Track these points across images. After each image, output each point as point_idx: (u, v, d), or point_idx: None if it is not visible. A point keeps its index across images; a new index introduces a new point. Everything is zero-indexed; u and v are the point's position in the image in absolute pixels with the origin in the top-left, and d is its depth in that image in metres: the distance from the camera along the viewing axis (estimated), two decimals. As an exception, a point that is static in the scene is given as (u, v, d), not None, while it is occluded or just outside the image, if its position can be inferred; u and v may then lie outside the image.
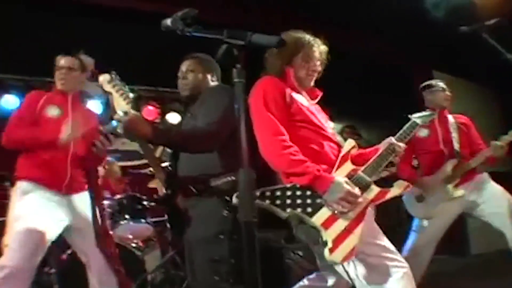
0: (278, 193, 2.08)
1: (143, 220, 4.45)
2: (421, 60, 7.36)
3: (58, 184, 3.08)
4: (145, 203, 4.53)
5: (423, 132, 3.84)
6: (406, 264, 2.18)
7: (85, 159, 3.07)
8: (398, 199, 7.25)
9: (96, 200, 2.84)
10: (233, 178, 2.20)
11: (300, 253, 5.01)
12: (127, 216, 4.39)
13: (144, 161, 6.80)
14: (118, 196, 4.58)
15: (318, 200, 2.10)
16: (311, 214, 2.08)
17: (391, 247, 2.22)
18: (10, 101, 6.21)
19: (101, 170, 5.79)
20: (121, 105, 2.25)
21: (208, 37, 1.62)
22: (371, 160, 2.31)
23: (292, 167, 2.14)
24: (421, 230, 3.73)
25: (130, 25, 5.95)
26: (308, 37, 2.51)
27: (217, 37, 1.56)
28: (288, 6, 6.03)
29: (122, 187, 5.61)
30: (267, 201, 2.05)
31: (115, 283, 2.98)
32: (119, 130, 2.21)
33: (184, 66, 2.76)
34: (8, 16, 5.32)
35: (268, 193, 2.06)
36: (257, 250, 1.36)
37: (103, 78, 2.29)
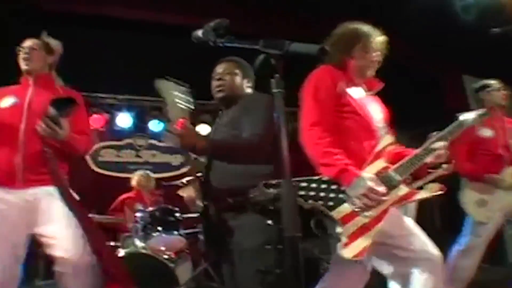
0: (303, 184, 2.13)
1: (175, 232, 4.45)
2: (450, 64, 7.25)
3: (10, 180, 2.73)
4: (177, 215, 4.53)
5: (487, 132, 3.74)
6: (434, 255, 2.20)
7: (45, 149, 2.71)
8: (432, 209, 7.14)
9: (66, 193, 2.65)
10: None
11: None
12: (159, 228, 4.40)
13: (175, 172, 6.90)
14: (150, 208, 4.59)
15: (341, 195, 2.13)
16: (332, 208, 2.11)
17: (421, 238, 2.24)
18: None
19: (133, 181, 5.86)
20: (176, 115, 2.21)
21: (243, 48, 1.61)
22: (404, 159, 2.29)
23: (323, 158, 2.16)
24: (476, 233, 3.69)
25: (160, 37, 6.00)
26: (366, 27, 2.52)
27: (253, 47, 1.54)
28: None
29: (155, 199, 5.64)
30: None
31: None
32: (169, 143, 2.21)
33: (220, 68, 2.73)
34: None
35: (293, 183, 2.06)
36: (302, 264, 1.33)
37: (161, 83, 2.27)
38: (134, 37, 5.89)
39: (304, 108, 2.30)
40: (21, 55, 3.02)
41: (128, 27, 5.72)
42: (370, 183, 2.12)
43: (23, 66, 3.01)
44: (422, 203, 5.70)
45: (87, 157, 6.73)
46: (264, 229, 2.23)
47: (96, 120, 6.59)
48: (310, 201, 2.11)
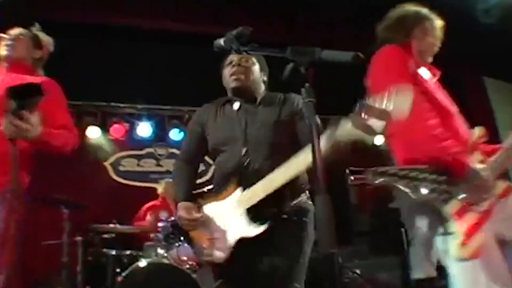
0: (413, 174, 1.89)
1: (197, 242, 4.42)
2: (471, 66, 7.16)
3: None
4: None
5: None
6: None
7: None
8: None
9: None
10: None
11: (358, 271, 4.90)
12: (181, 238, 4.37)
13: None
14: (172, 218, 4.57)
15: (451, 188, 1.90)
16: (445, 201, 1.90)
17: None
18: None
19: (160, 188, 5.87)
20: None
21: (269, 56, 1.56)
22: (498, 153, 2.07)
23: (430, 143, 1.99)
24: None
25: (178, 46, 6.00)
26: (426, 10, 2.41)
27: (280, 55, 1.49)
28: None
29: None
30: (401, 181, 1.87)
31: None
32: None
33: (235, 56, 2.56)
34: (61, 44, 5.46)
35: (402, 173, 1.88)
36: (338, 280, 1.28)
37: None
38: (153, 47, 5.90)
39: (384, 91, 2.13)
40: (4, 41, 2.64)
41: (147, 37, 5.74)
42: (485, 174, 1.94)
43: (2, 51, 2.63)
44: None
45: (108, 167, 6.74)
46: (300, 243, 2.18)
47: (117, 130, 6.59)
48: (420, 193, 1.86)
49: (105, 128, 6.56)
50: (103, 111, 6.56)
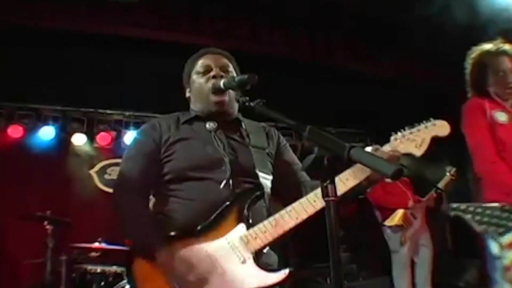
0: (479, 210, 2.30)
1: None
2: (463, 81, 7.07)
3: None
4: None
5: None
6: None
7: None
8: (444, 234, 6.88)
9: None
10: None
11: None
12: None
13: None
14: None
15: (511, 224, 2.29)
16: (502, 234, 2.29)
17: None
18: (47, 132, 6.21)
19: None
20: None
21: (280, 121, 1.39)
22: None
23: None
24: None
25: (168, 56, 5.86)
26: (490, 47, 2.80)
27: (295, 130, 1.30)
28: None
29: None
30: (468, 215, 2.30)
31: None
32: None
33: (219, 62, 2.21)
34: (49, 50, 5.31)
35: (471, 208, 2.30)
36: None
37: None
38: (142, 55, 5.75)
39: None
40: None
41: (137, 45, 5.58)
42: None
43: None
44: (434, 228, 5.56)
45: (93, 175, 6.54)
46: None
47: (103, 138, 6.40)
48: (483, 226, 2.28)
49: (91, 136, 6.39)
50: (90, 117, 6.37)
